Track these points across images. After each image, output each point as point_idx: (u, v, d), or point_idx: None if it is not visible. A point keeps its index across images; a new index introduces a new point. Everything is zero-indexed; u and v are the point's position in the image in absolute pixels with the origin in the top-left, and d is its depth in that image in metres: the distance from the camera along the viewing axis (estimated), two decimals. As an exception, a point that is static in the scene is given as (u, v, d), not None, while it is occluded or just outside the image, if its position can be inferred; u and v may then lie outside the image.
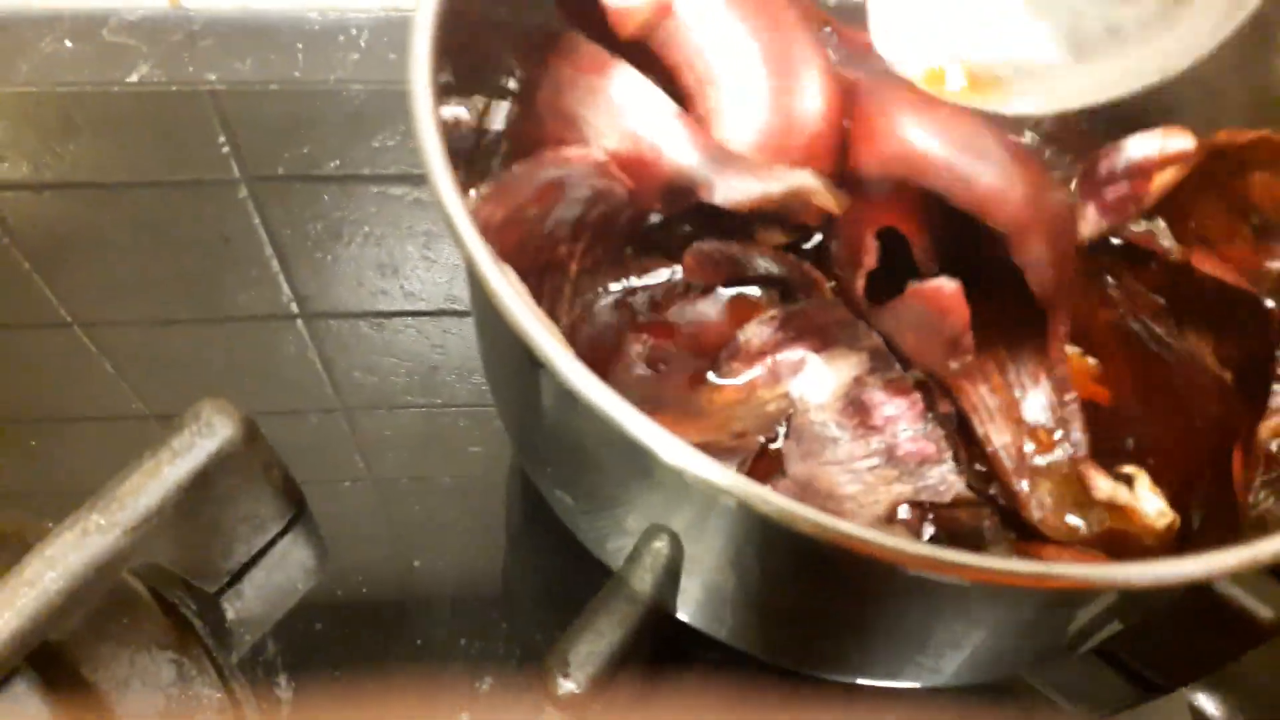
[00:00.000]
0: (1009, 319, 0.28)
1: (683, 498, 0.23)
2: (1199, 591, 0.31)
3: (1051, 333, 0.27)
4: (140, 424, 0.40)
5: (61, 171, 0.46)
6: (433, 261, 0.44)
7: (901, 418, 0.27)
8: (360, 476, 0.39)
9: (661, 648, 0.32)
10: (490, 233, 0.25)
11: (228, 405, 0.31)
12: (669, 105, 0.27)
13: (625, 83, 0.27)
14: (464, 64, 0.27)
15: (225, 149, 0.46)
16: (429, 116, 0.22)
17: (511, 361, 0.24)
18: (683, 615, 0.28)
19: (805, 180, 0.27)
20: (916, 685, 0.28)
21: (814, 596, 0.24)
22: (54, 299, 0.43)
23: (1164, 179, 0.27)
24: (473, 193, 0.26)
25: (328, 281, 0.43)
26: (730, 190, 0.27)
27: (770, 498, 0.19)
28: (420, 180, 0.46)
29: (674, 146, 0.27)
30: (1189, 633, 0.34)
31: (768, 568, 0.24)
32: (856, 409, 0.27)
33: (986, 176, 0.26)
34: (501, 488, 0.38)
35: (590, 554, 0.30)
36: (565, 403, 0.22)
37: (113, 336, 0.42)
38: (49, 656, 0.31)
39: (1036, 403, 0.28)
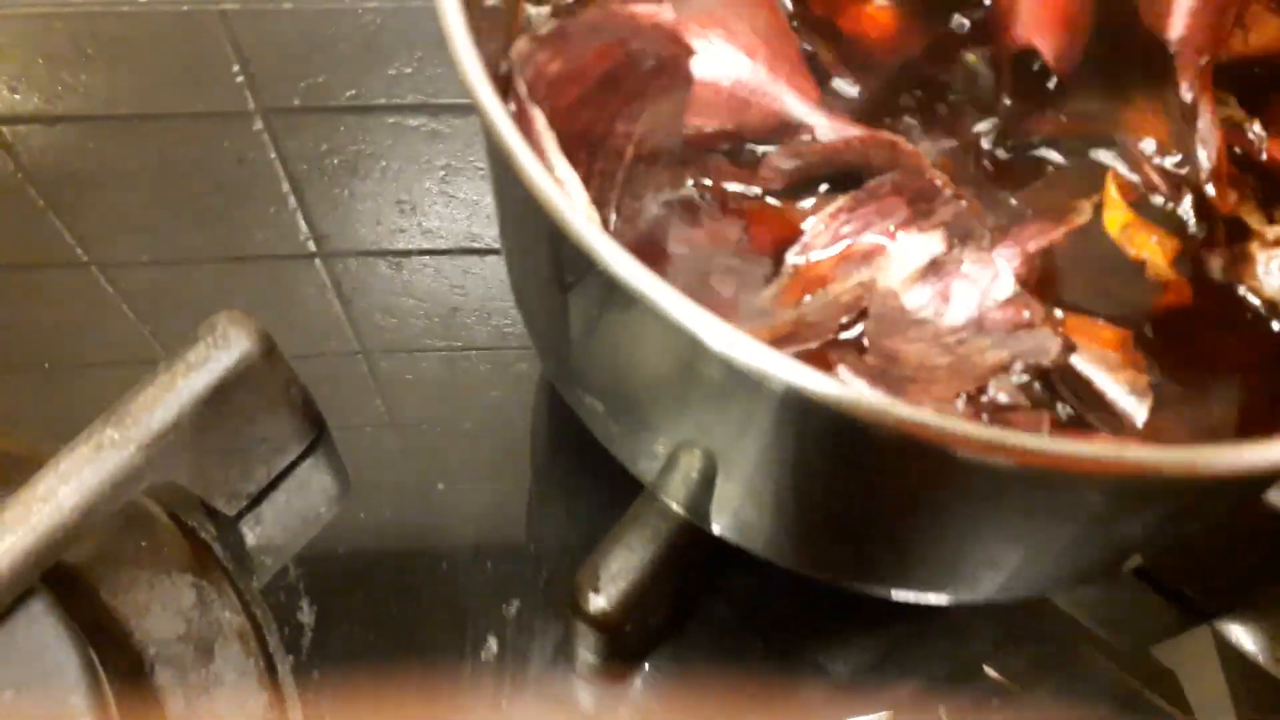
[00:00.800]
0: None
1: (728, 394, 0.21)
2: (1248, 502, 0.30)
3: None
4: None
5: (74, 103, 0.45)
6: (451, 197, 0.43)
7: (988, 287, 0.25)
8: (381, 421, 0.38)
9: (694, 567, 0.31)
10: (542, 84, 0.23)
11: (244, 318, 0.30)
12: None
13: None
14: None
15: (239, 78, 0.45)
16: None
17: (538, 244, 0.23)
18: (717, 529, 0.27)
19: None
20: (950, 600, 0.27)
21: (860, 501, 0.23)
22: (70, 238, 0.42)
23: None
24: (522, 39, 0.23)
25: (345, 218, 0.42)
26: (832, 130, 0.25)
27: (828, 386, 0.17)
28: (438, 110, 0.45)
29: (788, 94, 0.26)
30: (1234, 552, 0.32)
31: (813, 471, 0.22)
32: (938, 281, 0.26)
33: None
34: (524, 433, 0.37)
35: (619, 482, 0.29)
36: (598, 286, 0.21)
37: (129, 276, 0.41)
38: (66, 579, 0.31)
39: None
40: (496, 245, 0.41)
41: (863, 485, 0.22)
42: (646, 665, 0.32)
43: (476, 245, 0.42)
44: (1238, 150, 0.27)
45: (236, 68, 0.45)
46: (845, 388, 0.17)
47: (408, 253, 0.42)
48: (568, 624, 0.30)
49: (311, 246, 0.42)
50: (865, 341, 0.25)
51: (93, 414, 0.29)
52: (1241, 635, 0.35)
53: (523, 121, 0.20)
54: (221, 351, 0.29)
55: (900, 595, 0.27)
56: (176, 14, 0.46)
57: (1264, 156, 0.28)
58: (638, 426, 0.26)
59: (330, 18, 0.46)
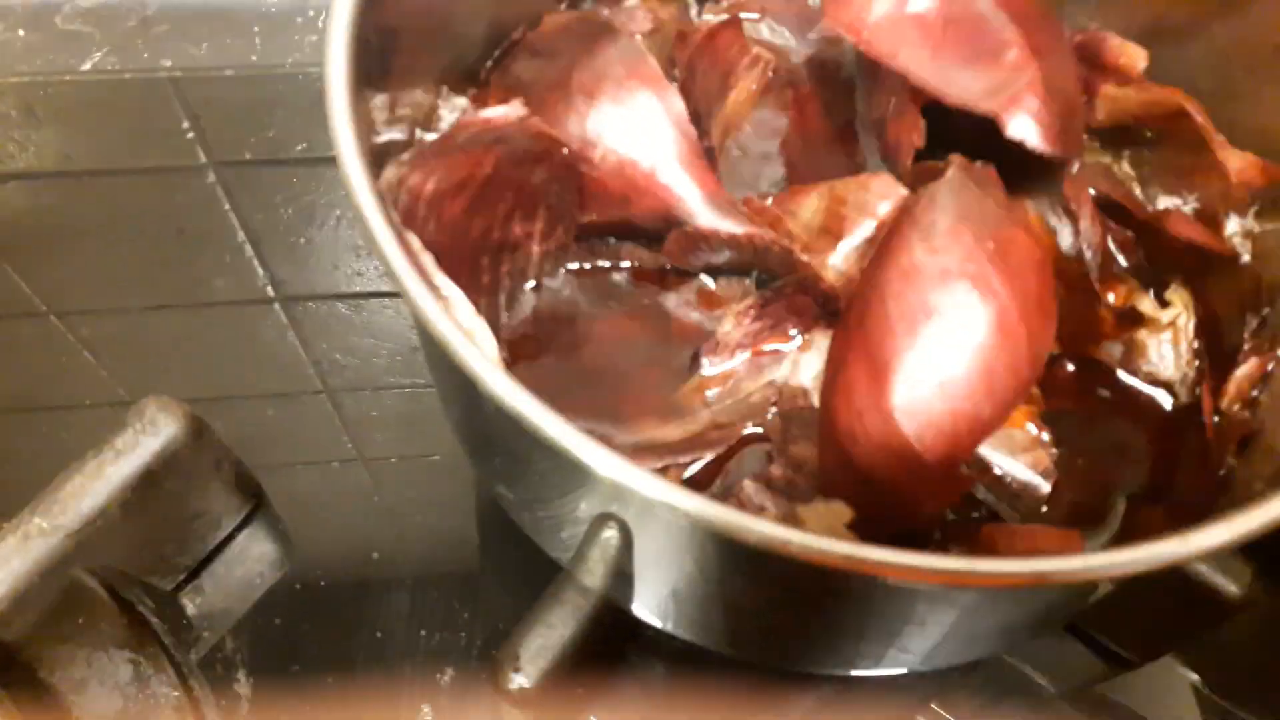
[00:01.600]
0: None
1: (627, 498, 0.22)
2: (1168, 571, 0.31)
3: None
4: (123, 410, 0.40)
5: (26, 161, 0.45)
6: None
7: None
8: (347, 456, 0.38)
9: (618, 642, 0.32)
10: (423, 204, 0.24)
11: (171, 402, 0.30)
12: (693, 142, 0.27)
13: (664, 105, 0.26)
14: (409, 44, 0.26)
15: (190, 134, 0.46)
16: (342, 100, 0.21)
17: (437, 360, 0.24)
18: (637, 610, 0.28)
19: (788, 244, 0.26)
20: (877, 674, 0.28)
21: (770, 597, 0.24)
22: (27, 289, 0.42)
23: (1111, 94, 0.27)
24: (390, 167, 0.24)
25: (303, 265, 0.43)
26: (717, 224, 0.26)
27: (722, 515, 0.18)
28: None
29: (680, 184, 0.26)
30: (1157, 610, 0.33)
31: (719, 567, 0.23)
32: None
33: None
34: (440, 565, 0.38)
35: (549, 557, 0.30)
36: (495, 411, 0.22)
37: (91, 325, 0.41)
38: (2, 657, 0.31)
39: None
40: None
41: (768, 585, 0.23)
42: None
43: None
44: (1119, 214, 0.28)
45: (186, 124, 0.46)
46: (733, 515, 0.18)
47: (366, 295, 0.42)
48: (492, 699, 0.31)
49: (270, 291, 0.42)
50: (772, 451, 0.25)
51: (60, 458, 0.29)
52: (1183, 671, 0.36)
53: (403, 246, 0.20)
54: (149, 437, 0.29)
55: (819, 671, 0.28)
56: (125, 79, 0.47)
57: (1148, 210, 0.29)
58: (548, 521, 0.27)
59: (277, 80, 0.47)
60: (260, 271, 0.43)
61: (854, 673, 0.28)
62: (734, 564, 0.22)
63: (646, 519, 0.22)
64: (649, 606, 0.27)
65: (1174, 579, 0.31)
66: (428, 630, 0.34)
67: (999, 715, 0.35)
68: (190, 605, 0.34)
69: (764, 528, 0.18)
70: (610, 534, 0.25)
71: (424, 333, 0.20)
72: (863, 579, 0.20)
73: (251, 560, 0.35)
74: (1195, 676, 0.36)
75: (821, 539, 0.18)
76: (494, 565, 0.36)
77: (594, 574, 0.27)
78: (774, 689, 0.34)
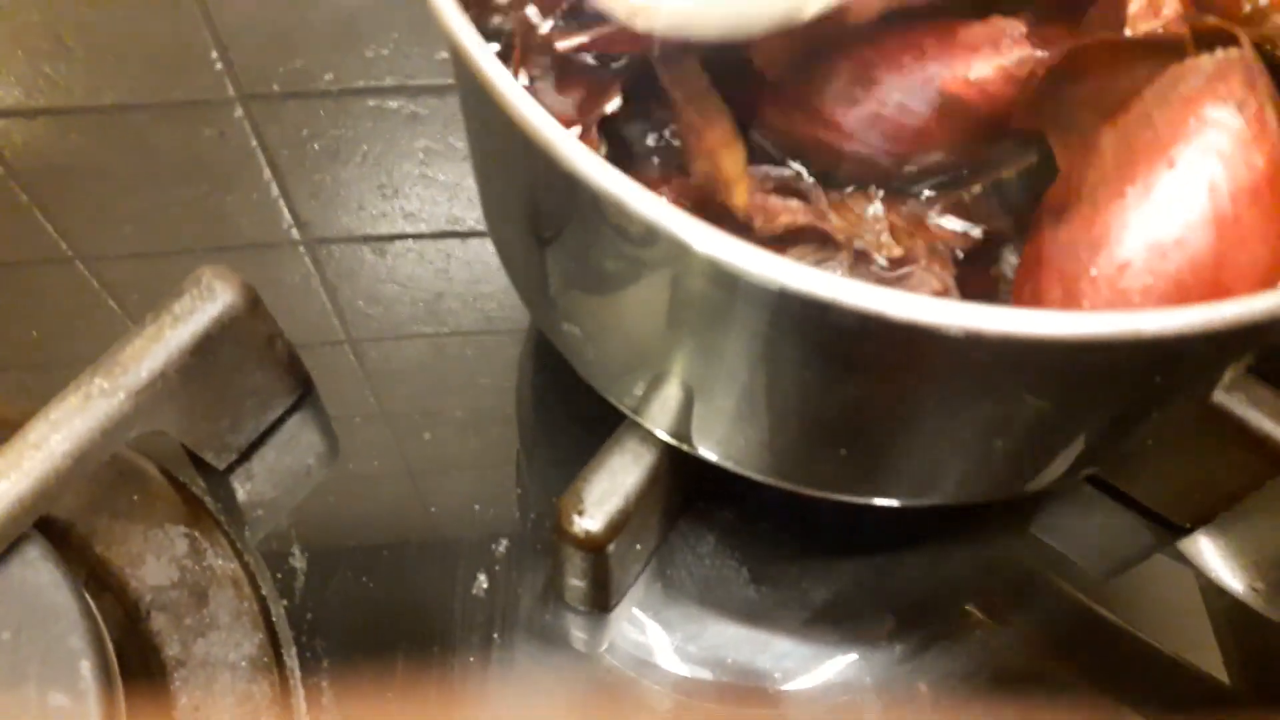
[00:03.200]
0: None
1: (709, 301, 0.22)
2: (1215, 414, 0.31)
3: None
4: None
5: (54, 96, 0.45)
6: (431, 180, 0.44)
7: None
8: (370, 411, 0.38)
9: (678, 492, 0.32)
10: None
11: (228, 271, 0.30)
12: None
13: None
14: None
15: (218, 65, 0.46)
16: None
17: (508, 160, 0.24)
18: (697, 448, 0.28)
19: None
20: (924, 501, 0.28)
21: (840, 404, 0.24)
22: (54, 232, 0.42)
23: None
24: None
25: (328, 205, 0.43)
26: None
27: (824, 282, 0.18)
28: (416, 92, 0.46)
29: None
30: (1204, 465, 0.33)
31: (794, 374, 0.23)
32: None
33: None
34: (511, 417, 0.38)
35: (602, 426, 0.30)
36: (568, 193, 0.22)
37: (113, 269, 0.41)
38: (59, 533, 0.32)
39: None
40: (479, 228, 0.42)
41: (843, 386, 0.23)
42: (632, 594, 0.33)
43: (458, 229, 0.42)
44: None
45: (215, 54, 0.46)
46: (840, 281, 0.18)
47: (390, 237, 0.42)
48: (554, 553, 0.31)
49: (295, 234, 0.42)
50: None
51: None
52: (1219, 565, 0.36)
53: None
54: (207, 303, 0.30)
55: (879, 501, 0.28)
56: (152, 2, 0.47)
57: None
58: (616, 349, 0.27)
59: (306, 1, 0.47)
60: (286, 212, 0.43)
61: (907, 501, 0.28)
62: (817, 367, 0.22)
63: (732, 308, 0.21)
64: (709, 444, 0.28)
65: (1221, 426, 0.31)
66: (482, 505, 0.34)
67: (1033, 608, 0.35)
68: (241, 490, 0.34)
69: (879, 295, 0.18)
70: (675, 376, 0.25)
71: (487, 108, 0.20)
72: (956, 352, 0.20)
73: (301, 448, 0.35)
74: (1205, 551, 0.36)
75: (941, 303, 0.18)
76: (542, 450, 0.37)
77: (661, 411, 0.28)
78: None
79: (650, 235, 0.20)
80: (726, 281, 0.20)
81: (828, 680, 0.33)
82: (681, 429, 0.28)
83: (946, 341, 0.19)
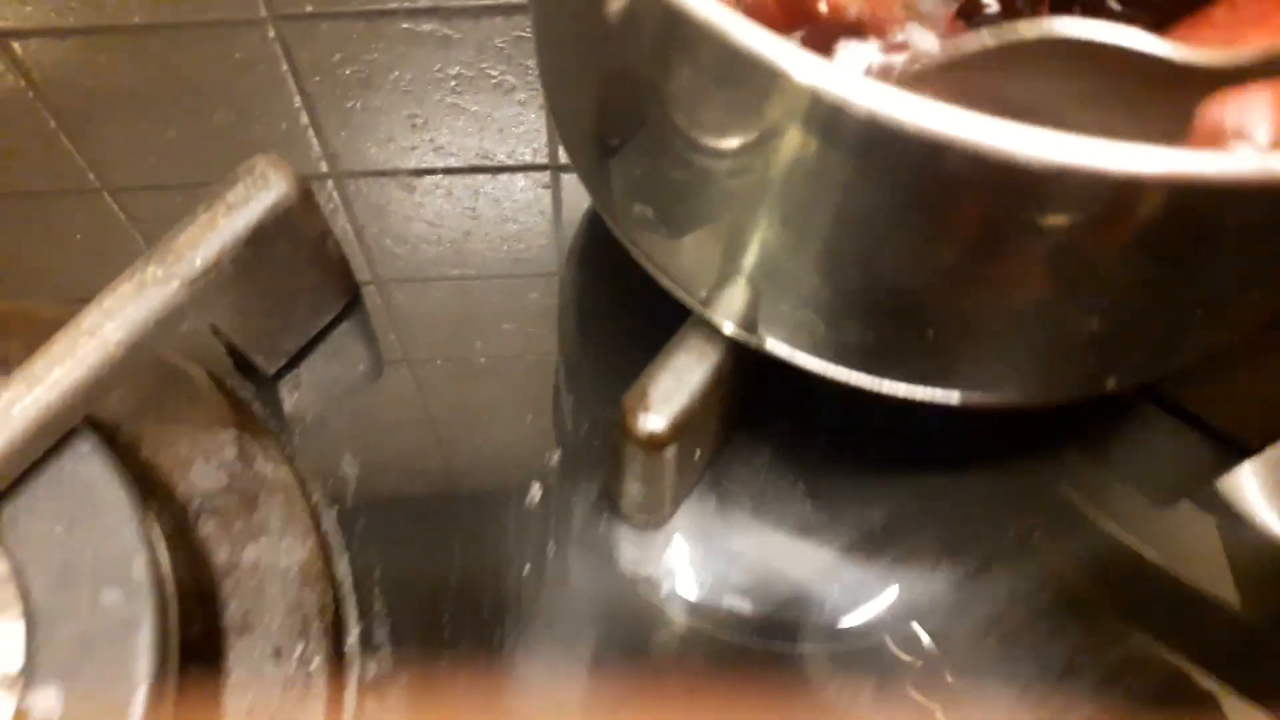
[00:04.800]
0: None
1: (804, 148, 0.21)
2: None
3: None
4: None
5: (85, 15, 0.44)
6: (462, 110, 0.43)
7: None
8: (395, 356, 0.38)
9: (739, 397, 0.32)
10: None
11: (281, 160, 0.30)
12: None
13: None
14: None
15: (253, -16, 0.45)
16: None
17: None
18: (768, 339, 0.27)
19: None
20: (996, 399, 0.27)
21: (931, 274, 0.23)
22: (81, 161, 0.41)
23: None
24: None
25: (357, 136, 0.42)
26: None
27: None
28: (450, 14, 0.45)
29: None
30: (1268, 379, 0.33)
31: (883, 228, 0.22)
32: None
33: None
34: (541, 362, 0.37)
35: (655, 334, 0.29)
36: (650, 26, 0.20)
37: (141, 202, 0.40)
38: (107, 435, 0.31)
39: None
40: (508, 162, 0.41)
41: (939, 247, 0.22)
42: (686, 509, 0.33)
43: (488, 163, 0.41)
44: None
45: (247, -31, 0.45)
46: (943, 112, 0.17)
47: (419, 172, 0.41)
48: (612, 457, 0.30)
49: (324, 167, 0.41)
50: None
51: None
52: (1266, 511, 0.35)
53: None
54: (261, 192, 0.29)
55: (950, 396, 0.27)
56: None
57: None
58: (691, 229, 0.26)
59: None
60: (315, 143, 0.42)
61: (967, 398, 0.27)
62: (912, 202, 0.21)
63: (821, 169, 0.21)
64: (786, 329, 0.27)
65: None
66: (534, 416, 0.34)
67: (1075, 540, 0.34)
68: (288, 400, 0.33)
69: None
70: (751, 242, 0.24)
71: None
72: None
73: (348, 360, 0.34)
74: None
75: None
76: (596, 353, 0.36)
77: (728, 310, 0.27)
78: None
79: (739, 66, 0.19)
80: (824, 118, 0.19)
81: (876, 614, 0.32)
82: (751, 317, 0.27)
83: (1072, 183, 0.18)
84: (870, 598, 0.32)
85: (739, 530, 0.33)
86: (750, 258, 0.25)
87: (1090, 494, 0.35)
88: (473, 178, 0.41)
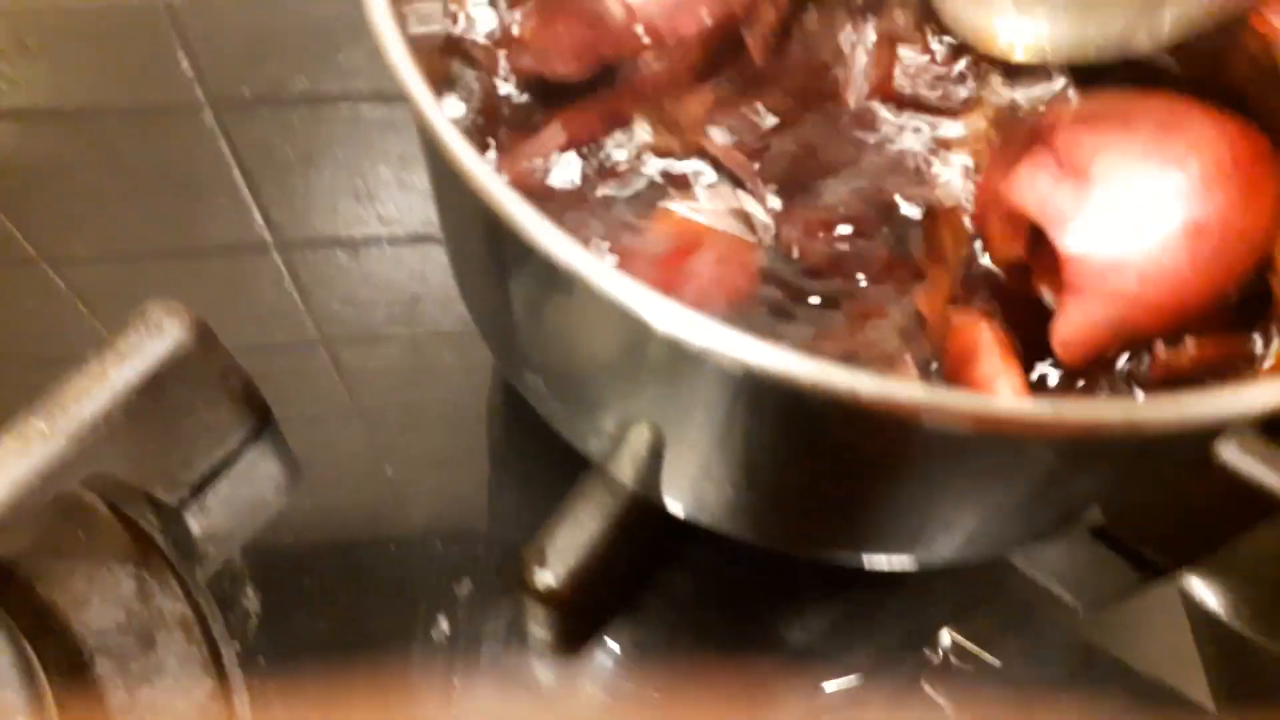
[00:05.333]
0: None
1: (675, 372, 0.21)
2: (1202, 461, 0.30)
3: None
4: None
5: (17, 99, 0.43)
6: (408, 186, 0.42)
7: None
8: (345, 409, 0.37)
9: (649, 540, 0.31)
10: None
11: (178, 306, 0.29)
12: None
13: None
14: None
15: (188, 72, 0.44)
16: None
17: (471, 227, 0.23)
18: (669, 504, 0.27)
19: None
20: (908, 564, 0.27)
21: (814, 472, 0.23)
22: (18, 234, 0.41)
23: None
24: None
25: (301, 209, 0.42)
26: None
27: (787, 362, 0.17)
28: (392, 98, 0.44)
29: None
30: (1191, 509, 0.33)
31: (766, 445, 0.22)
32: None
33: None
34: (485, 418, 0.37)
35: (575, 460, 0.29)
36: (533, 267, 0.21)
37: (81, 271, 0.40)
38: (1, 575, 0.30)
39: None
40: None
41: (816, 457, 0.22)
42: (605, 640, 0.32)
43: (435, 233, 0.41)
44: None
45: (185, 60, 0.44)
46: (803, 361, 0.17)
47: (365, 241, 0.41)
48: (518, 602, 0.30)
49: (267, 236, 0.41)
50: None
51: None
52: (1205, 593, 0.35)
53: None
54: (154, 340, 0.28)
55: (857, 561, 0.27)
56: (120, 7, 0.45)
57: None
58: (581, 404, 0.26)
59: (278, 6, 0.45)
60: (258, 216, 0.42)
61: (887, 562, 0.28)
62: (789, 430, 0.21)
63: (698, 382, 0.21)
64: (681, 500, 0.27)
65: (1208, 472, 0.30)
66: (444, 543, 0.33)
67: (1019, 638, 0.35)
68: (195, 525, 0.33)
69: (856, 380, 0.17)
70: (644, 428, 0.24)
71: (450, 176, 0.19)
72: (936, 433, 0.19)
73: (259, 480, 0.34)
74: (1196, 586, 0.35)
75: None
76: (512, 482, 0.35)
77: (628, 465, 0.27)
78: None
79: (612, 313, 0.19)
80: (688, 359, 0.19)
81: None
82: (650, 483, 0.27)
83: (922, 426, 0.18)
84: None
85: (657, 659, 0.33)
86: (635, 439, 0.24)
87: (1023, 598, 0.35)
88: (420, 247, 0.41)
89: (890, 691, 0.32)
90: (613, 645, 0.33)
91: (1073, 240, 0.24)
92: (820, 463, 0.22)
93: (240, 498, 0.34)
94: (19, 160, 0.42)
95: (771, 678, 0.33)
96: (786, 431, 0.21)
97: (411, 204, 0.42)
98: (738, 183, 0.27)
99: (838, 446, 0.21)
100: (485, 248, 0.23)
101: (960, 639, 0.34)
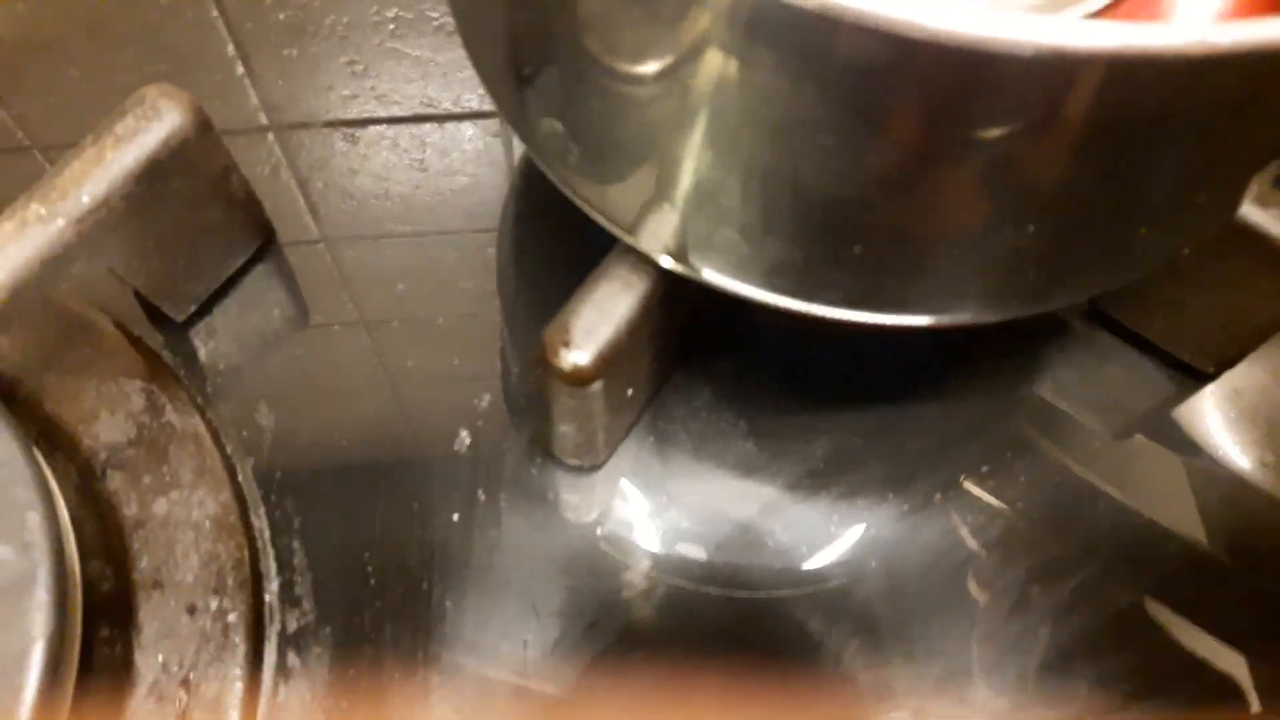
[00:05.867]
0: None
1: (720, 54, 0.19)
2: (1242, 234, 0.29)
3: None
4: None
5: (3, -40, 0.42)
6: (403, 55, 0.41)
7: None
8: (349, 318, 0.36)
9: (674, 327, 0.30)
10: None
11: (175, 91, 0.28)
12: None
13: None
14: None
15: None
16: None
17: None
18: (700, 267, 0.26)
19: None
20: (946, 320, 0.26)
21: (862, 182, 0.21)
22: (8, 118, 0.39)
23: None
24: None
25: (295, 85, 0.40)
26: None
27: None
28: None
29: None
30: (1229, 298, 0.31)
31: (811, 147, 0.20)
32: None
33: None
34: (491, 322, 0.36)
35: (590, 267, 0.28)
36: None
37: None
38: (5, 390, 0.29)
39: None
40: (454, 110, 0.39)
41: (868, 151, 0.20)
42: (624, 451, 0.31)
43: (433, 111, 0.40)
44: None
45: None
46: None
47: (362, 121, 0.40)
48: (541, 397, 0.28)
49: (263, 118, 0.39)
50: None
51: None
52: (1226, 441, 0.34)
53: None
54: (152, 123, 0.27)
55: (886, 318, 0.26)
56: None
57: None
58: (606, 143, 0.24)
59: None
60: (253, 94, 0.40)
61: (920, 319, 0.26)
62: (851, 149, 0.20)
63: (744, 69, 0.19)
64: (714, 254, 0.25)
65: (1252, 249, 0.29)
66: (461, 360, 0.32)
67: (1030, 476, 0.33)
68: (202, 348, 0.32)
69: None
70: (674, 164, 0.23)
71: None
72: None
73: (266, 305, 0.33)
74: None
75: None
76: (527, 291, 0.34)
77: (655, 237, 0.25)
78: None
79: None
80: (740, 12, 0.18)
81: (825, 553, 0.31)
82: (679, 243, 0.25)
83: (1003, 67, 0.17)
84: (818, 537, 0.31)
85: (679, 471, 0.31)
86: (674, 178, 0.23)
87: (1043, 426, 0.33)
88: (418, 127, 0.39)
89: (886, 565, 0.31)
90: (635, 456, 0.31)
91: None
92: (868, 154, 0.20)
93: (247, 322, 0.32)
94: (5, 32, 0.40)
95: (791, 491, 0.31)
96: (836, 112, 0.19)
97: (408, 76, 0.40)
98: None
99: (889, 121, 0.19)
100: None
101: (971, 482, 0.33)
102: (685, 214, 0.24)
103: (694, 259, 0.26)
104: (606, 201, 0.26)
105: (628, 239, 0.27)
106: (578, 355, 0.26)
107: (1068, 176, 0.21)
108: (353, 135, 0.40)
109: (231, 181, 0.30)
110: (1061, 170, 0.21)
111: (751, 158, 0.22)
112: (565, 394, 0.27)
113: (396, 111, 0.40)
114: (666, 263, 0.26)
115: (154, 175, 0.27)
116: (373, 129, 0.39)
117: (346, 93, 0.40)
